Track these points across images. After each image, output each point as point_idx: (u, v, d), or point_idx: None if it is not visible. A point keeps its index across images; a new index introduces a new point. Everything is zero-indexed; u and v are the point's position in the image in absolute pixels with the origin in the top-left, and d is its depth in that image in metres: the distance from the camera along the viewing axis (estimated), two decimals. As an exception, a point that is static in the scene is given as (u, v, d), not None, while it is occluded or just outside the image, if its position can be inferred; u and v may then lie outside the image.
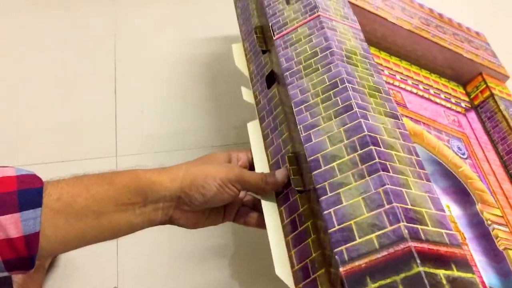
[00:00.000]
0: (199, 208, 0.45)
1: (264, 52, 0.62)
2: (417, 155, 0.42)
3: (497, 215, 0.54)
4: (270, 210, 0.48)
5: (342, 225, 0.37)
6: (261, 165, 0.52)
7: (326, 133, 0.42)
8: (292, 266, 0.44)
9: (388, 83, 0.60)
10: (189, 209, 0.45)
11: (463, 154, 0.59)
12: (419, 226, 0.35)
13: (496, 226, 0.52)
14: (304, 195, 0.46)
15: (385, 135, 0.41)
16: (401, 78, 0.64)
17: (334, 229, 0.37)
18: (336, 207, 0.38)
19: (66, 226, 0.39)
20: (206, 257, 0.68)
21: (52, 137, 0.79)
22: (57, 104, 0.84)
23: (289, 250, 0.45)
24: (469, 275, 0.34)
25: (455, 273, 0.33)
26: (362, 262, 0.34)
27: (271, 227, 0.46)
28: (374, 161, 0.38)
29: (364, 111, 0.42)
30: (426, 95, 0.65)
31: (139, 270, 0.66)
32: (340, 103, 0.43)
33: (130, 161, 0.77)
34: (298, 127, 0.44)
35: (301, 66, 0.49)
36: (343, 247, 0.35)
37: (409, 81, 0.65)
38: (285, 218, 0.47)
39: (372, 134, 0.40)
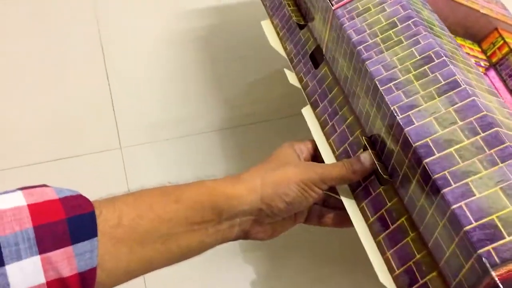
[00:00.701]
0: (281, 217, 0.39)
1: (301, 27, 0.55)
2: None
3: None
4: (352, 207, 0.42)
5: (482, 221, 0.31)
6: (328, 156, 0.45)
7: (431, 114, 0.36)
8: (391, 270, 0.38)
9: None
10: (270, 220, 0.39)
11: None
12: None
13: None
14: (389, 188, 0.40)
15: (499, 115, 0.36)
16: None
17: (471, 225, 0.31)
18: (467, 200, 0.32)
19: (129, 255, 0.32)
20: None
21: (49, 134, 0.68)
22: (46, 97, 0.73)
23: (383, 253, 0.39)
24: None
25: None
26: (520, 265, 0.29)
27: (360, 227, 0.40)
28: (505, 145, 0.33)
29: (472, 88, 0.37)
30: None
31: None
32: (441, 80, 0.38)
33: (137, 152, 0.68)
34: (392, 108, 0.38)
35: (377, 38, 0.42)
36: (489, 247, 0.30)
37: None
38: (370, 215, 0.41)
39: (490, 114, 0.35)
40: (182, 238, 0.34)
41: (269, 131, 0.72)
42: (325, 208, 0.44)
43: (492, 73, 0.67)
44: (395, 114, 0.38)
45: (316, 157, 0.46)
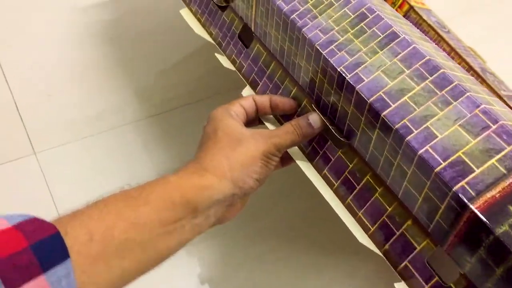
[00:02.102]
0: (251, 194, 0.37)
1: (223, 9, 0.54)
2: (466, 73, 0.39)
3: None
4: (312, 174, 0.42)
5: (450, 160, 0.32)
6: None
7: (378, 68, 0.37)
8: (366, 229, 0.38)
9: None
10: (241, 200, 0.38)
11: None
12: (532, 139, 0.32)
13: None
14: (348, 150, 0.41)
15: (439, 59, 0.37)
16: None
17: (441, 166, 0.32)
18: (431, 143, 0.33)
19: (109, 272, 0.29)
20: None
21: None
22: None
23: (354, 214, 0.39)
24: None
25: None
26: (495, 193, 0.30)
27: (326, 193, 0.40)
28: (454, 84, 0.34)
29: (410, 37, 0.38)
30: None
31: None
32: (380, 33, 0.38)
33: (54, 154, 0.64)
34: (339, 70, 0.38)
35: (308, 5, 0.42)
36: (463, 183, 0.31)
37: None
38: (334, 181, 0.41)
39: (432, 58, 0.36)
40: (160, 243, 0.32)
41: (193, 114, 0.71)
42: None
43: None
44: (344, 74, 0.37)
45: (263, 112, 0.45)
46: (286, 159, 0.44)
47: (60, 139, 0.66)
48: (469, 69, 0.65)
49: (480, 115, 0.32)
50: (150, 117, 0.70)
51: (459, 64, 0.64)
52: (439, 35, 0.68)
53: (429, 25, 0.67)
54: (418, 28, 0.67)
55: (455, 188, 0.31)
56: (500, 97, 0.61)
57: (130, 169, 0.64)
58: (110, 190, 0.62)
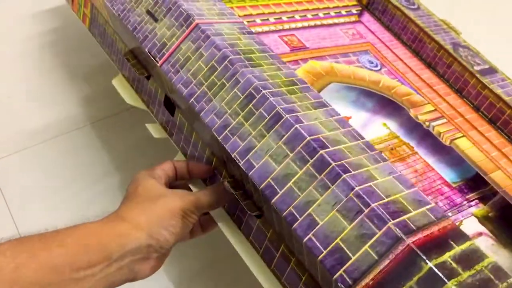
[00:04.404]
0: (168, 249, 0.40)
1: (148, 78, 0.56)
2: (360, 136, 0.40)
3: (430, 111, 0.54)
4: (237, 240, 0.44)
5: (329, 248, 0.33)
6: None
7: (266, 153, 0.38)
8: None
9: (277, 30, 0.57)
10: (157, 255, 0.39)
11: (376, 66, 0.59)
12: (404, 217, 0.33)
13: (434, 124, 0.52)
14: (264, 219, 0.42)
15: (325, 131, 0.38)
16: (287, 18, 0.61)
17: (322, 254, 0.33)
18: (313, 230, 0.34)
19: None
20: None
21: None
22: None
23: (279, 279, 0.41)
24: (467, 243, 0.33)
25: (457, 249, 0.32)
26: (368, 280, 0.31)
27: (249, 260, 0.42)
28: (330, 166, 0.35)
29: (294, 114, 0.39)
30: (319, 22, 0.63)
31: None
32: (266, 115, 0.39)
33: (6, 163, 0.67)
34: (233, 156, 0.39)
35: (204, 87, 0.43)
36: (341, 271, 0.32)
37: (297, 16, 0.62)
38: (258, 247, 0.43)
39: (314, 137, 0.37)
40: None
41: (134, 120, 0.73)
42: None
43: (366, 17, 0.70)
44: (237, 161, 0.39)
45: (181, 177, 0.47)
46: (207, 224, 0.47)
47: (12, 147, 0.69)
48: (440, 48, 0.65)
49: (354, 199, 0.34)
50: (99, 120, 0.73)
51: (429, 44, 0.64)
52: (406, 16, 0.68)
53: (396, 6, 0.67)
54: (384, 11, 0.66)
55: (335, 277, 0.32)
56: (471, 74, 0.61)
57: (73, 179, 0.67)
58: (65, 195, 0.65)
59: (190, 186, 0.48)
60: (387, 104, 0.54)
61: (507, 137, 0.56)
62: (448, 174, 0.49)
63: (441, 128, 0.53)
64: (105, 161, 0.69)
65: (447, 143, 0.51)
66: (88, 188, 0.66)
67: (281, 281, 0.41)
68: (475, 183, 0.48)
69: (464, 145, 0.52)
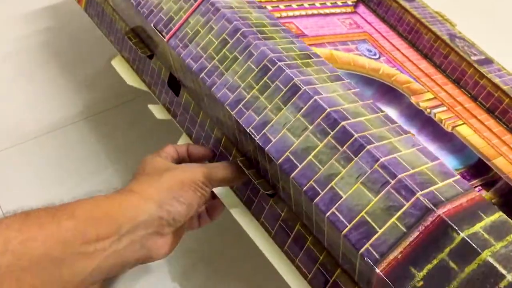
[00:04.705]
0: (181, 224, 0.38)
1: (150, 56, 0.54)
2: (380, 109, 0.38)
3: (430, 99, 0.54)
4: (248, 222, 0.42)
5: (354, 221, 0.32)
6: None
7: (284, 126, 0.37)
8: (304, 276, 0.39)
9: (277, 18, 0.56)
10: (170, 230, 0.37)
11: (375, 54, 0.58)
12: (432, 188, 0.32)
13: (435, 111, 0.52)
14: (278, 199, 0.41)
15: (345, 103, 0.37)
16: (285, 6, 0.60)
17: (347, 229, 0.32)
18: (337, 204, 0.33)
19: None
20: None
21: None
22: None
23: (292, 261, 0.40)
24: (496, 215, 0.31)
25: (487, 220, 0.31)
26: (397, 253, 0.30)
27: (261, 242, 0.41)
28: (353, 138, 0.34)
29: (312, 86, 0.37)
30: (316, 11, 0.62)
31: None
32: (283, 87, 0.38)
33: (4, 157, 0.65)
34: (248, 131, 0.38)
35: (215, 61, 0.42)
36: (367, 245, 0.31)
37: (294, 5, 0.61)
38: (271, 228, 0.41)
39: (334, 108, 0.36)
40: (78, 263, 0.31)
41: (130, 114, 0.72)
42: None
43: (362, 8, 0.69)
44: (253, 136, 0.37)
45: (182, 160, 0.45)
46: (213, 210, 0.46)
47: (5, 143, 0.68)
48: (436, 38, 0.64)
49: (380, 170, 0.32)
50: (94, 115, 0.72)
51: (426, 35, 0.63)
52: (402, 7, 0.67)
53: (391, -3, 0.66)
54: (379, 3, 0.66)
55: (361, 251, 0.31)
56: (469, 64, 0.60)
57: (75, 171, 0.66)
58: (60, 191, 0.63)
59: None
60: (387, 92, 0.53)
61: (505, 126, 0.55)
62: (450, 161, 0.48)
63: (442, 115, 0.52)
64: (101, 156, 0.67)
65: (449, 130, 0.50)
66: (84, 182, 0.64)
67: (295, 263, 0.40)
68: (477, 170, 0.47)
69: (465, 132, 0.51)
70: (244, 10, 0.45)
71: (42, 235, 0.30)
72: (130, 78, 0.56)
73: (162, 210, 0.36)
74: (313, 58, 0.42)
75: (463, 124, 0.52)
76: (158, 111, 0.52)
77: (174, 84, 0.51)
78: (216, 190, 0.44)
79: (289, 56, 0.40)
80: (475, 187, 0.46)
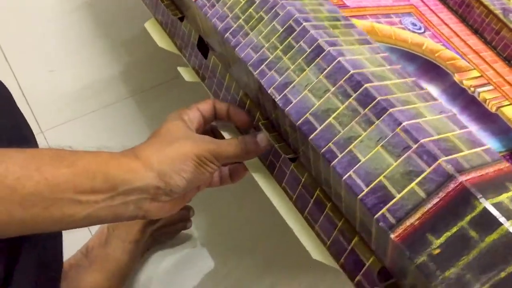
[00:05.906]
0: (180, 195, 0.38)
1: (181, 19, 0.53)
2: (409, 75, 0.37)
3: (475, 77, 0.51)
4: (270, 187, 0.42)
5: (372, 185, 0.31)
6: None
7: (305, 87, 0.35)
8: (324, 242, 0.38)
9: None
10: (168, 198, 0.37)
11: (419, 28, 0.55)
12: (456, 155, 0.30)
13: (479, 90, 0.49)
14: (299, 164, 0.40)
15: (371, 67, 0.35)
16: None
17: (363, 193, 0.31)
18: (355, 167, 0.32)
19: (7, 216, 0.31)
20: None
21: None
22: None
23: (312, 227, 0.39)
24: (526, 187, 0.29)
25: (515, 191, 0.29)
26: (413, 220, 0.29)
27: (282, 207, 0.40)
28: (375, 100, 0.32)
29: (337, 47, 0.36)
30: None
31: None
32: (307, 48, 0.36)
33: (61, 133, 0.67)
34: (269, 91, 0.37)
35: (240, 21, 0.41)
36: (383, 210, 0.30)
37: None
38: (292, 193, 0.41)
39: (358, 70, 0.34)
40: (68, 207, 0.32)
41: (175, 90, 0.72)
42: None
43: None
44: (273, 96, 0.37)
45: (220, 117, 0.44)
46: (236, 172, 0.45)
47: (65, 116, 0.69)
48: (488, 13, 0.61)
49: (401, 134, 0.31)
50: (142, 92, 0.72)
51: (477, 9, 0.60)
52: None
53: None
54: None
55: (376, 216, 0.30)
56: None
57: (125, 146, 0.67)
58: None
59: (224, 133, 0.46)
60: (430, 69, 0.50)
61: (557, 110, 0.51)
62: (493, 144, 0.45)
63: (487, 94, 0.49)
64: (148, 133, 0.68)
65: (493, 110, 0.47)
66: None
67: (314, 229, 0.39)
68: (522, 154, 0.45)
69: (510, 113, 0.48)
70: (274, -30, 0.43)
71: (38, 176, 0.31)
72: (161, 40, 0.56)
73: (160, 181, 0.36)
74: (342, 21, 0.40)
75: (509, 104, 0.49)
76: (187, 74, 0.52)
77: (203, 47, 0.50)
78: None
79: (316, 17, 0.39)
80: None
